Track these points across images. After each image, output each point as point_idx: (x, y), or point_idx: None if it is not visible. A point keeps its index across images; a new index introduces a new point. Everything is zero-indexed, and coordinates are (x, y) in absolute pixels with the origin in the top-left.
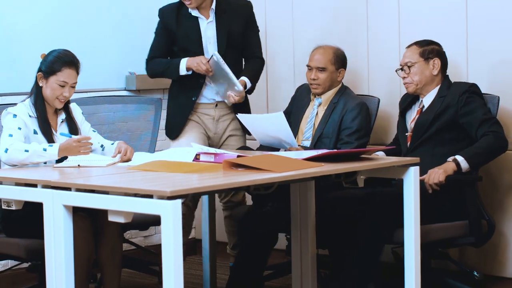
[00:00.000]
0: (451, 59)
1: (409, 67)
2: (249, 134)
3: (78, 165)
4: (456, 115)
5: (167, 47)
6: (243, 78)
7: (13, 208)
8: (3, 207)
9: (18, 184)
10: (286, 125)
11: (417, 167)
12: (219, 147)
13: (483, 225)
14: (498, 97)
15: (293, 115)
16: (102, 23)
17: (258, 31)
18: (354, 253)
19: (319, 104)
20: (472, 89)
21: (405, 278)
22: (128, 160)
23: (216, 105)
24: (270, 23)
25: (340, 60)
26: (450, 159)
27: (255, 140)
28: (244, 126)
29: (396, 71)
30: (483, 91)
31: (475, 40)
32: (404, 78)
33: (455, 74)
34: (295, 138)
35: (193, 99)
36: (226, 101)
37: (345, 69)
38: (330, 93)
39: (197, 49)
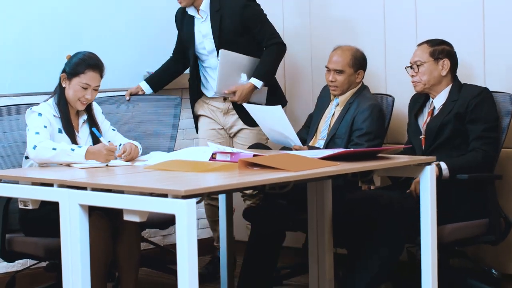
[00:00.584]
0: (468, 58)
1: (418, 66)
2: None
3: (107, 165)
4: (464, 119)
5: (180, 45)
6: (251, 81)
7: (30, 207)
8: (19, 206)
9: (34, 183)
10: (285, 120)
11: (433, 166)
12: (231, 141)
13: (501, 223)
14: None
15: (314, 115)
16: (119, 22)
17: (264, 19)
18: (369, 253)
19: (337, 105)
20: (483, 95)
21: (422, 277)
22: (131, 159)
23: (225, 98)
24: (288, 23)
25: (358, 62)
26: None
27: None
28: (250, 118)
29: (405, 68)
30: (499, 90)
31: (492, 39)
32: (412, 76)
33: (471, 74)
34: (313, 137)
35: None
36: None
37: (364, 70)
38: (348, 94)
39: (191, 46)
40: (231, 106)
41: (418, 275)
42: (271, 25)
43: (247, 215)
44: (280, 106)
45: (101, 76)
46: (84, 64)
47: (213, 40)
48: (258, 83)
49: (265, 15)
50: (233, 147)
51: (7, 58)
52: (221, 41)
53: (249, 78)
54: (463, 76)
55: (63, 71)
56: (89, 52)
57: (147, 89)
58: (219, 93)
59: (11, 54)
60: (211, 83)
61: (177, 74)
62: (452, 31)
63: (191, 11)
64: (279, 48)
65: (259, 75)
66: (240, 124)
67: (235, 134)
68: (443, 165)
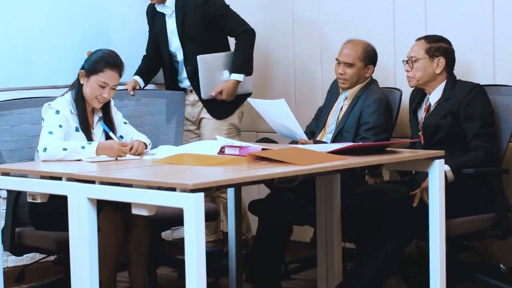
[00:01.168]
0: (478, 52)
1: (413, 62)
2: (221, 118)
3: (116, 158)
4: (458, 118)
5: (154, 45)
6: (233, 77)
7: (38, 201)
8: (28, 200)
9: (43, 177)
10: (289, 113)
11: (442, 160)
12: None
13: (508, 217)
14: None
15: (323, 109)
16: (127, 14)
17: (227, 11)
18: (376, 246)
19: (345, 98)
20: (474, 92)
21: (430, 271)
22: (139, 155)
23: (191, 90)
24: (297, 17)
25: (369, 56)
26: None
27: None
28: (216, 110)
29: (402, 61)
30: (508, 83)
31: (502, 33)
32: (407, 71)
33: (480, 68)
34: (322, 131)
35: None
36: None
37: (374, 65)
38: (356, 88)
39: (164, 43)
40: (197, 98)
41: (427, 269)
42: (235, 14)
43: (253, 208)
44: (283, 100)
45: (120, 75)
46: (103, 62)
47: (178, 36)
48: (240, 76)
49: (227, 6)
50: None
51: (15, 52)
52: (185, 38)
53: (230, 73)
54: (472, 70)
55: (82, 67)
56: (110, 50)
57: (141, 83)
58: (206, 97)
59: (19, 48)
60: (183, 76)
61: (158, 71)
62: (461, 24)
63: (160, 7)
64: (249, 35)
65: (238, 69)
66: (202, 113)
67: (199, 124)
68: (447, 167)
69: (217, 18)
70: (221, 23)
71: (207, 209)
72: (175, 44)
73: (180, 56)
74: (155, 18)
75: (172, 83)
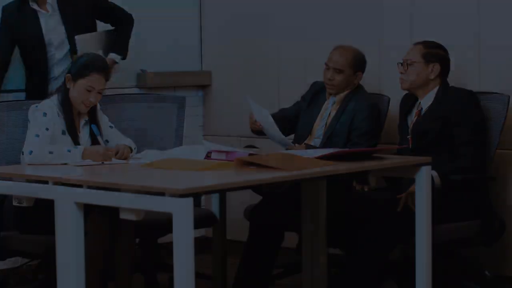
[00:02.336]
0: (463, 58)
1: (408, 64)
2: None
3: (102, 162)
4: (449, 123)
5: (10, 49)
6: (111, 56)
7: (24, 205)
8: (14, 203)
9: (29, 180)
10: (272, 123)
11: (429, 167)
12: None
13: (494, 224)
14: (509, 96)
15: (308, 112)
16: None
17: (111, 2)
18: (360, 252)
19: (333, 103)
20: (467, 98)
21: (416, 277)
22: (125, 159)
23: None
24: (282, 16)
25: (358, 63)
26: None
27: None
28: None
29: (397, 63)
30: (493, 90)
31: (487, 40)
32: (401, 73)
33: (466, 74)
34: (308, 137)
35: None
36: None
37: (363, 72)
38: (345, 93)
39: (38, 43)
40: None
41: (412, 275)
42: (114, 5)
43: (247, 214)
44: (267, 110)
45: (107, 79)
46: (90, 66)
47: (64, 32)
48: (117, 57)
49: None
50: None
51: None
52: (74, 31)
53: (105, 52)
54: (457, 76)
55: (68, 71)
56: (96, 54)
57: None
58: None
59: None
60: (55, 75)
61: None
62: (447, 31)
63: (36, 6)
64: (130, 20)
65: (118, 49)
66: None
67: None
68: (434, 173)
69: (107, 9)
70: (111, 13)
71: (202, 214)
72: (55, 42)
73: (59, 55)
74: (19, 19)
75: (39, 87)
